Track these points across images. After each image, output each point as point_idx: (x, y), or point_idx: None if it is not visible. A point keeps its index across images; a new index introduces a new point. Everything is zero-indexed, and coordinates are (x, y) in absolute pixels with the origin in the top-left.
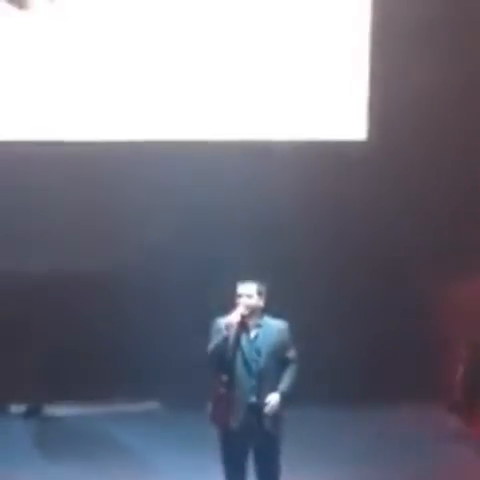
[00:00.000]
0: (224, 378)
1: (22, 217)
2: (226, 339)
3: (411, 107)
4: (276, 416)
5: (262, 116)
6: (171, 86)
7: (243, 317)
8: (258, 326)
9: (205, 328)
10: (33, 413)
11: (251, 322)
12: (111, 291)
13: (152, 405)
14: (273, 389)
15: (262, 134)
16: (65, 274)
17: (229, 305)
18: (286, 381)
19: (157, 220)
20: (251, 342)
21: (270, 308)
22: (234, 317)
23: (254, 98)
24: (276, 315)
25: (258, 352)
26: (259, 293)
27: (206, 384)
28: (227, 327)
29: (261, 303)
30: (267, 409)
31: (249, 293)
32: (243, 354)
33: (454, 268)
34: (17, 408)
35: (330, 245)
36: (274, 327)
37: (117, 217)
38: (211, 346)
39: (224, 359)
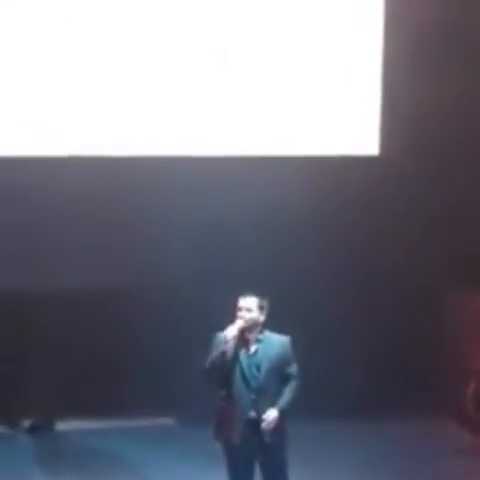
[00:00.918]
0: (223, 393)
1: (47, 234)
2: (223, 353)
3: (424, 121)
4: (278, 431)
5: (273, 132)
6: (187, 103)
7: (242, 331)
8: (258, 341)
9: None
10: (45, 428)
11: (251, 336)
12: (126, 307)
13: (166, 421)
14: (273, 404)
15: (273, 150)
16: (79, 290)
17: (231, 319)
18: (286, 396)
19: (171, 236)
20: (250, 357)
21: (274, 323)
22: (231, 331)
23: (265, 114)
24: (279, 330)
25: (257, 367)
26: (260, 307)
27: None
28: (224, 341)
29: (262, 318)
30: (264, 424)
31: (249, 307)
32: (242, 369)
33: (467, 281)
34: (29, 423)
35: (342, 260)
36: (275, 342)
37: (132, 233)
38: (208, 360)
39: (222, 374)
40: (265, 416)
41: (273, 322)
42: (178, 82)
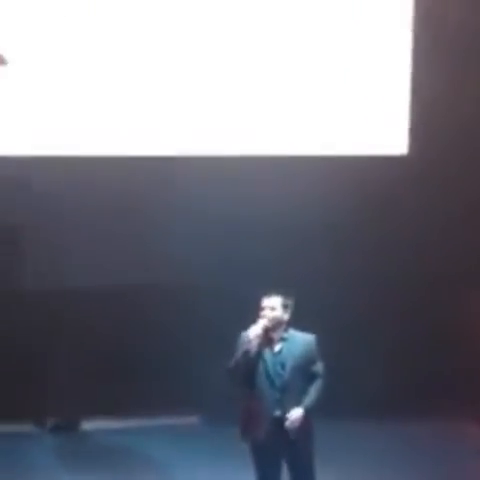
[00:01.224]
0: (248, 392)
1: (67, 233)
2: (247, 352)
3: (453, 120)
4: (304, 429)
5: (302, 131)
6: (208, 101)
7: (267, 330)
8: (283, 339)
9: None
10: (69, 427)
11: (275, 335)
12: (150, 304)
13: (191, 419)
14: (298, 403)
15: (302, 149)
16: (102, 288)
17: (254, 318)
18: (311, 395)
19: (189, 235)
20: (275, 356)
21: (299, 321)
22: (254, 330)
23: (294, 113)
24: (304, 329)
25: (282, 366)
26: (284, 306)
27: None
28: (247, 340)
29: (286, 316)
30: (288, 423)
31: (273, 306)
32: (266, 368)
33: None
34: (53, 422)
35: (370, 260)
36: (300, 340)
37: (150, 232)
38: (232, 360)
39: (246, 373)
40: (289, 415)
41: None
42: (200, 79)
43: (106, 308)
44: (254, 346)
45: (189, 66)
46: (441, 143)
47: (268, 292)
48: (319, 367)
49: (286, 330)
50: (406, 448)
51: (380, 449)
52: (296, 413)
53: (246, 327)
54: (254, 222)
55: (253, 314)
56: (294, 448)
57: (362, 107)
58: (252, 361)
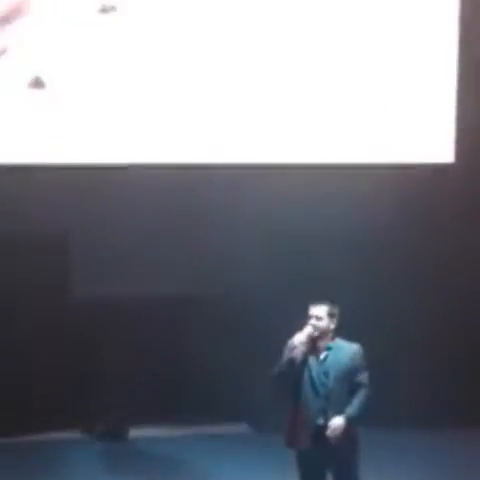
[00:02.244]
0: (293, 400)
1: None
2: (291, 360)
3: None
4: (348, 439)
5: (347, 140)
6: (248, 110)
7: (313, 339)
8: (328, 348)
9: None
10: (117, 435)
11: (321, 344)
12: (196, 314)
13: (240, 427)
14: (341, 412)
15: (348, 158)
16: (150, 298)
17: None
18: (354, 405)
19: (237, 246)
20: (320, 364)
21: (347, 331)
22: (298, 338)
23: (339, 121)
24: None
25: (326, 374)
26: (330, 315)
27: None
28: (291, 348)
29: (332, 325)
30: (329, 432)
31: (319, 315)
32: (311, 376)
33: None
34: (101, 429)
35: (418, 267)
36: (346, 350)
37: (198, 243)
38: (277, 367)
39: (291, 380)
40: (331, 423)
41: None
42: (232, 92)
43: (152, 317)
44: (299, 353)
45: (210, 77)
46: None
47: (315, 302)
48: (364, 377)
49: (332, 339)
50: (453, 459)
51: (426, 460)
52: (337, 421)
53: (290, 335)
54: (287, 234)
55: (295, 323)
56: (338, 458)
57: (408, 115)
58: (297, 369)
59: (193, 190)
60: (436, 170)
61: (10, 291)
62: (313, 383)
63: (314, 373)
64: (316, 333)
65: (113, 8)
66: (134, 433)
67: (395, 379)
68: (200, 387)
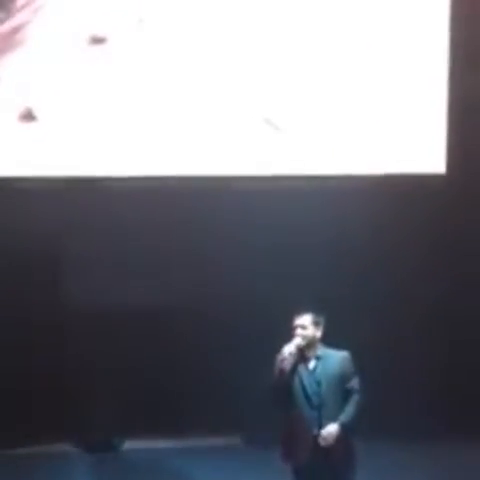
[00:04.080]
0: (289, 412)
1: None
2: (281, 372)
3: None
4: (344, 450)
5: (338, 150)
6: (238, 122)
7: (301, 349)
8: (317, 357)
9: None
10: (111, 447)
11: (310, 353)
12: (191, 325)
13: (233, 440)
14: (336, 420)
15: (338, 169)
16: (140, 310)
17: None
18: (347, 411)
19: (237, 255)
20: (310, 374)
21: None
22: (287, 349)
23: (333, 133)
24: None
25: (318, 384)
26: (315, 324)
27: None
28: (280, 360)
29: (318, 334)
30: (321, 439)
31: (303, 324)
32: (303, 386)
33: None
34: (92, 442)
35: (409, 277)
36: (335, 358)
37: (197, 254)
38: (270, 382)
39: (285, 392)
40: (323, 431)
41: (343, 338)
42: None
43: (145, 329)
44: (288, 365)
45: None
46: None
47: (298, 310)
48: (354, 383)
49: (319, 348)
50: (451, 472)
51: (426, 473)
52: (329, 428)
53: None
54: (290, 244)
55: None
56: (335, 470)
57: (399, 125)
58: (288, 381)
59: (188, 202)
60: (427, 181)
61: None
62: (306, 394)
63: (306, 383)
64: (303, 343)
65: (103, 40)
66: (127, 445)
67: (392, 392)
68: (194, 399)
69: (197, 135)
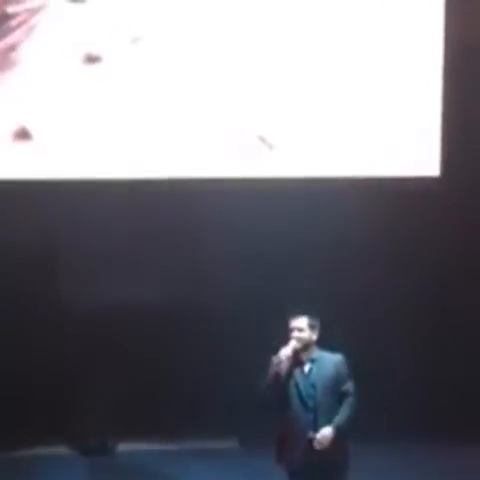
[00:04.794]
0: (283, 415)
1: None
2: (277, 375)
3: None
4: (338, 453)
5: (332, 153)
6: (236, 125)
7: (296, 352)
8: (312, 360)
9: None
10: (106, 450)
11: (305, 356)
12: (188, 328)
13: (229, 443)
14: (331, 423)
15: (332, 171)
16: (132, 312)
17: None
18: (341, 414)
19: (234, 258)
20: (306, 377)
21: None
22: (284, 352)
23: (328, 136)
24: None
25: (313, 387)
26: (311, 326)
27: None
28: (277, 363)
29: (314, 337)
30: (315, 442)
31: (300, 327)
32: (298, 389)
33: None
34: (87, 444)
35: (403, 282)
36: (329, 360)
37: (198, 253)
38: (265, 383)
39: (279, 395)
40: (318, 434)
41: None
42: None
43: (138, 331)
44: (284, 368)
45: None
46: (475, 164)
47: (294, 312)
48: (349, 386)
49: (315, 350)
50: (449, 474)
51: (422, 476)
52: (324, 431)
53: (278, 350)
54: (286, 242)
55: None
56: (330, 472)
57: (393, 128)
58: (284, 383)
59: (181, 204)
60: (422, 183)
61: None
62: (301, 397)
63: (301, 386)
64: (299, 345)
65: (98, 58)
66: (121, 448)
67: (391, 392)
68: (190, 402)
69: (194, 153)
